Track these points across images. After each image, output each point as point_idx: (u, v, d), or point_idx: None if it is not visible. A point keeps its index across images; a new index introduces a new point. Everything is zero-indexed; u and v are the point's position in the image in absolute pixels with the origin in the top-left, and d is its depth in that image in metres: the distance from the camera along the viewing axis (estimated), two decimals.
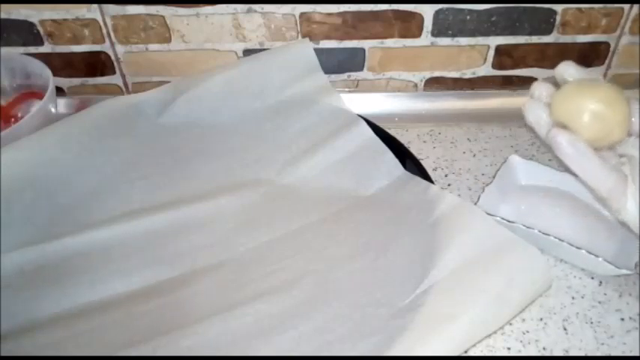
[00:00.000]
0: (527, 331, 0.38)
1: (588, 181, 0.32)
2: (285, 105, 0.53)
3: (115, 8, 0.54)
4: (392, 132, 0.51)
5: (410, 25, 0.55)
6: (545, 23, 0.54)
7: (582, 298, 0.40)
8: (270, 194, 0.47)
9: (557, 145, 0.32)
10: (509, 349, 0.37)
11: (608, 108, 0.32)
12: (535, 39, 0.55)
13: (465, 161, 0.51)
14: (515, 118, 0.55)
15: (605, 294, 0.40)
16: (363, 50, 0.57)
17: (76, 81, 0.60)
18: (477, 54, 0.57)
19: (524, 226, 0.40)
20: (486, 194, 0.44)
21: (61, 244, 0.42)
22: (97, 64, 0.59)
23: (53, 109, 0.52)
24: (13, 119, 0.53)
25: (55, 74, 0.52)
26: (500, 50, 0.56)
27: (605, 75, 0.58)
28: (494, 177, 0.45)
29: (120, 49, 0.58)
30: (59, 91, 0.60)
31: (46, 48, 0.57)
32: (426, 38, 0.56)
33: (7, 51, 0.57)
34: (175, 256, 0.43)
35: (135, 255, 0.42)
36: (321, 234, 0.43)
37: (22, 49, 0.57)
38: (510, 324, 0.38)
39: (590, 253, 0.39)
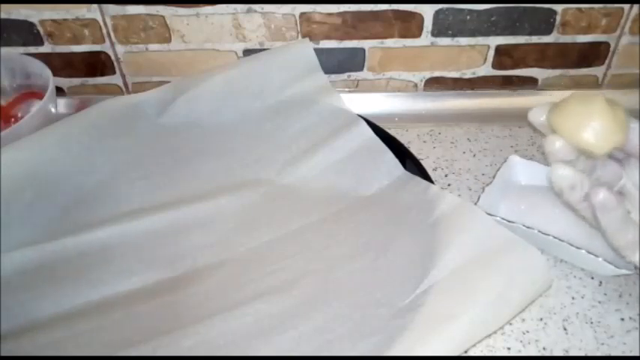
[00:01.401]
0: (527, 331, 0.38)
1: (609, 232, 0.33)
2: (285, 105, 0.53)
3: (115, 8, 0.54)
4: (392, 132, 0.51)
5: (410, 25, 0.55)
6: (545, 23, 0.54)
7: (582, 298, 0.40)
8: (270, 194, 0.47)
9: (603, 209, 0.33)
10: (509, 349, 0.37)
11: (606, 121, 0.33)
12: (535, 39, 0.56)
13: (465, 161, 0.51)
14: (515, 118, 0.55)
15: (605, 294, 0.40)
16: (363, 50, 0.57)
17: (76, 81, 0.60)
18: (477, 54, 0.57)
19: (524, 226, 0.40)
20: (486, 194, 0.44)
21: (61, 244, 0.42)
22: (97, 64, 0.59)
23: (53, 109, 0.52)
24: (13, 119, 0.53)
25: (55, 74, 0.52)
26: (500, 50, 0.56)
27: (605, 75, 0.58)
28: (494, 177, 0.45)
29: (120, 49, 0.58)
30: (59, 91, 0.60)
31: (46, 48, 0.57)
32: (426, 38, 0.56)
33: (7, 51, 0.57)
34: (175, 256, 0.43)
35: (135, 255, 0.42)
36: (321, 234, 0.43)
37: (22, 49, 0.57)
38: (510, 324, 0.38)
39: (590, 253, 0.39)
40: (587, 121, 0.33)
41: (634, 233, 0.33)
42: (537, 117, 0.36)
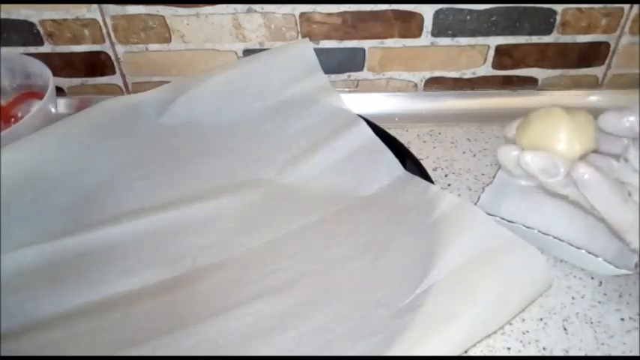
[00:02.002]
0: (527, 331, 0.38)
1: (610, 216, 0.32)
2: (285, 105, 0.53)
3: (115, 8, 0.54)
4: (392, 132, 0.51)
5: (410, 25, 0.55)
6: (545, 23, 0.54)
7: (582, 298, 0.40)
8: (270, 194, 0.47)
9: (584, 184, 0.32)
10: (509, 349, 0.37)
11: (570, 129, 0.33)
12: (535, 39, 0.56)
13: (465, 161, 0.51)
14: (515, 118, 0.55)
15: (605, 294, 0.40)
16: (363, 50, 0.57)
17: (76, 81, 0.60)
18: (477, 54, 0.57)
19: (524, 226, 0.40)
20: (486, 194, 0.44)
21: (61, 244, 0.42)
22: (97, 64, 0.59)
23: (53, 109, 0.52)
24: (13, 119, 0.53)
25: (55, 74, 0.52)
26: (500, 50, 0.56)
27: (605, 75, 0.58)
28: (494, 177, 0.45)
29: (120, 49, 0.58)
30: (59, 91, 0.60)
31: (46, 48, 0.57)
32: (426, 38, 0.56)
33: (7, 51, 0.57)
34: (175, 256, 0.43)
35: (135, 255, 0.42)
36: (321, 234, 0.43)
37: (22, 49, 0.57)
38: (510, 324, 0.38)
39: (590, 253, 0.39)
40: (553, 134, 0.33)
41: (634, 215, 0.32)
42: (507, 154, 0.35)
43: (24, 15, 0.55)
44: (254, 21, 0.55)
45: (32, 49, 0.57)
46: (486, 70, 0.58)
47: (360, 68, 0.58)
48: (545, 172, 0.33)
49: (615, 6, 0.53)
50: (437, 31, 0.55)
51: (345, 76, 0.59)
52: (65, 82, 0.60)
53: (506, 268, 0.36)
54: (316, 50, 0.54)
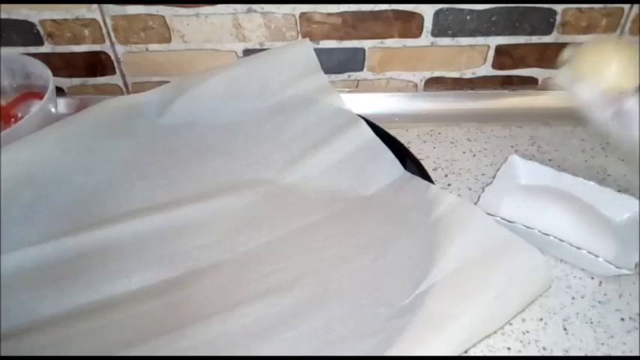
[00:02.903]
0: (527, 331, 0.38)
1: None
2: (286, 105, 0.53)
3: (115, 8, 0.54)
4: (392, 132, 0.51)
5: (410, 25, 0.55)
6: (545, 23, 0.54)
7: (582, 298, 0.40)
8: (270, 194, 0.47)
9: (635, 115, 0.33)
10: (509, 349, 0.37)
11: (629, 57, 0.34)
12: (535, 39, 0.56)
13: (465, 161, 0.51)
14: (515, 118, 0.55)
15: (605, 294, 0.40)
16: (363, 50, 0.57)
17: (76, 81, 0.60)
18: (476, 54, 0.57)
19: (524, 226, 0.40)
20: (486, 194, 0.44)
21: (60, 244, 0.42)
22: (97, 64, 0.59)
23: (53, 109, 0.52)
24: (13, 119, 0.53)
25: (55, 74, 0.52)
26: (500, 50, 0.56)
27: None
28: (494, 177, 0.45)
29: (120, 49, 0.58)
30: (59, 91, 0.60)
31: (46, 48, 0.57)
32: (426, 38, 0.56)
33: (7, 51, 0.57)
34: (175, 256, 0.43)
35: (135, 255, 0.42)
36: (321, 234, 0.43)
37: (22, 49, 0.57)
38: (510, 324, 0.38)
39: (590, 253, 0.39)
40: (612, 65, 0.34)
41: None
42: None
43: (24, 15, 0.55)
44: (254, 21, 0.55)
45: (32, 49, 0.57)
46: (486, 70, 0.58)
47: (360, 68, 0.58)
48: (595, 105, 0.34)
49: (615, 6, 0.53)
50: (437, 31, 0.55)
51: (345, 76, 0.59)
52: (65, 82, 0.60)
53: (506, 268, 0.36)
54: (316, 50, 0.54)
